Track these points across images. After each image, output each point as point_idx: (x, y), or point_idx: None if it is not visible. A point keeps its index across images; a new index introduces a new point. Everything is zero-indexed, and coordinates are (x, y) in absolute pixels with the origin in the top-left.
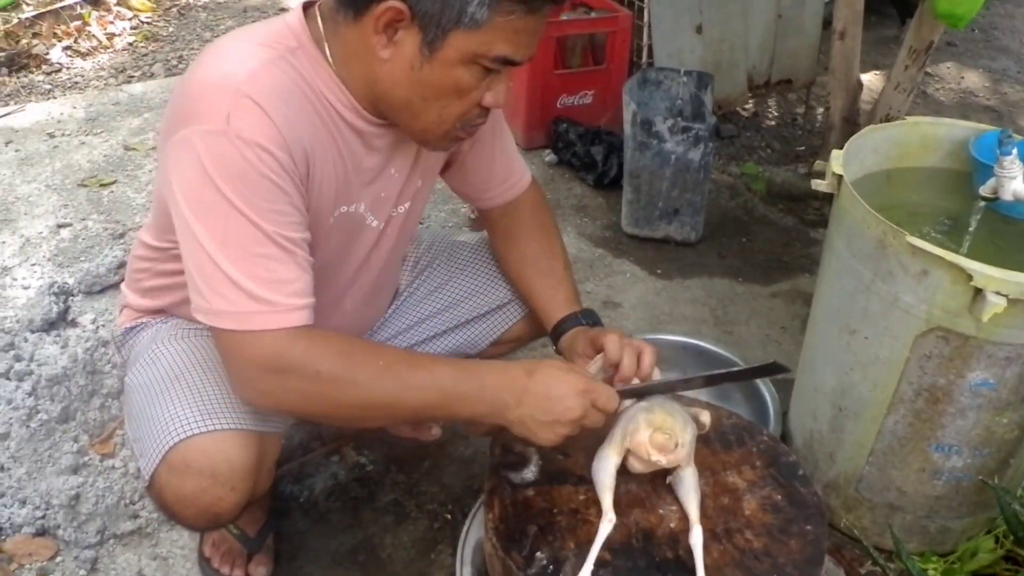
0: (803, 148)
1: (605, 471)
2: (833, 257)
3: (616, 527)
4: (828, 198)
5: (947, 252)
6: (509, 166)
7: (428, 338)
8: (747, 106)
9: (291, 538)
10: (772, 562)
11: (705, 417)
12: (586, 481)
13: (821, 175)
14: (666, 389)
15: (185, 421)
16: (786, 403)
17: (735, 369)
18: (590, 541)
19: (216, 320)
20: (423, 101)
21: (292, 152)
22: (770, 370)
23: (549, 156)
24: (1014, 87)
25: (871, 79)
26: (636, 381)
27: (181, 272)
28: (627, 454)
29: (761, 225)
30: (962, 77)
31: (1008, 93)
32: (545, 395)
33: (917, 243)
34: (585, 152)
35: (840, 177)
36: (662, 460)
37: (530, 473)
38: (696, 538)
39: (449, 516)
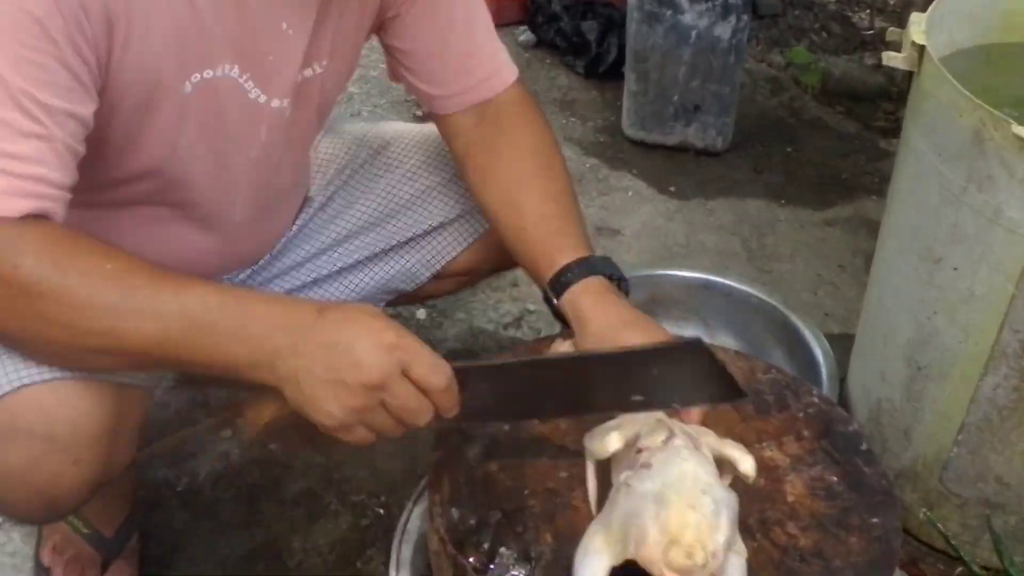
0: (871, 32)
1: (591, 572)
2: (911, 158)
3: None
4: (904, 99)
5: None
6: (476, 45)
7: (348, 266)
8: None
9: (164, 539)
10: (824, 566)
11: (747, 465)
12: (569, 453)
13: (896, 47)
14: (528, 368)
15: (12, 368)
16: (845, 364)
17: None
18: (574, 533)
19: None
20: None
21: None
22: (689, 349)
23: (525, 34)
24: None
25: None
26: None
27: None
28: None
29: (813, 131)
30: None
31: None
32: (333, 340)
33: None
34: (574, 29)
35: (922, 49)
36: None
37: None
38: None
39: (382, 511)
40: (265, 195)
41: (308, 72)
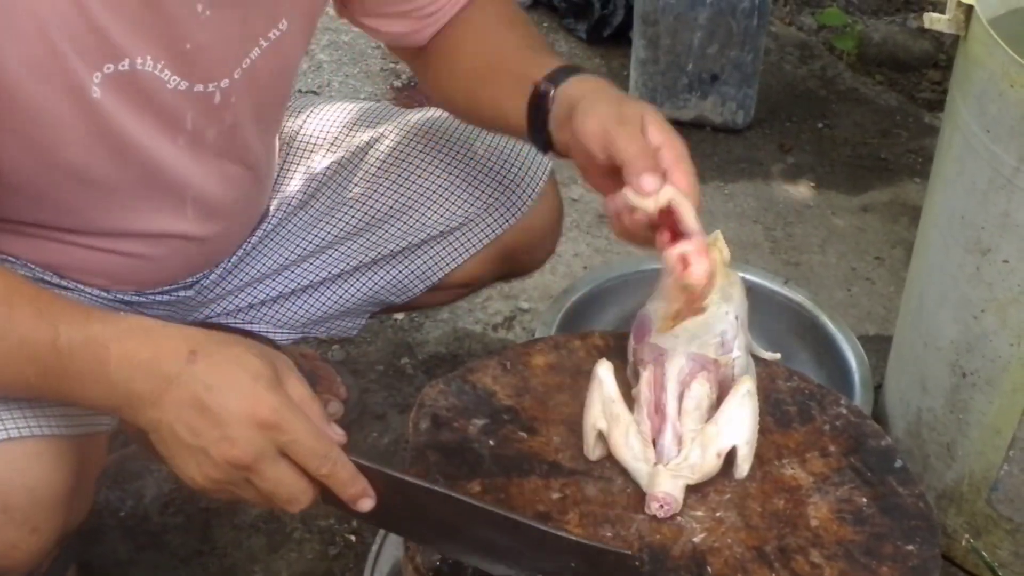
0: None
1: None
2: (957, 136)
3: (609, 541)
4: (952, 66)
5: None
6: None
7: (331, 276)
8: None
9: (105, 572)
10: None
11: None
12: (562, 471)
13: (941, 7)
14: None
15: None
16: (881, 371)
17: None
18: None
19: None
20: None
21: None
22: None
23: None
24: None
25: None
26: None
27: None
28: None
29: (848, 104)
30: None
31: None
32: (200, 402)
33: None
34: None
35: (970, 8)
36: None
37: None
38: None
39: (353, 537)
40: (212, 188)
41: (255, 52)
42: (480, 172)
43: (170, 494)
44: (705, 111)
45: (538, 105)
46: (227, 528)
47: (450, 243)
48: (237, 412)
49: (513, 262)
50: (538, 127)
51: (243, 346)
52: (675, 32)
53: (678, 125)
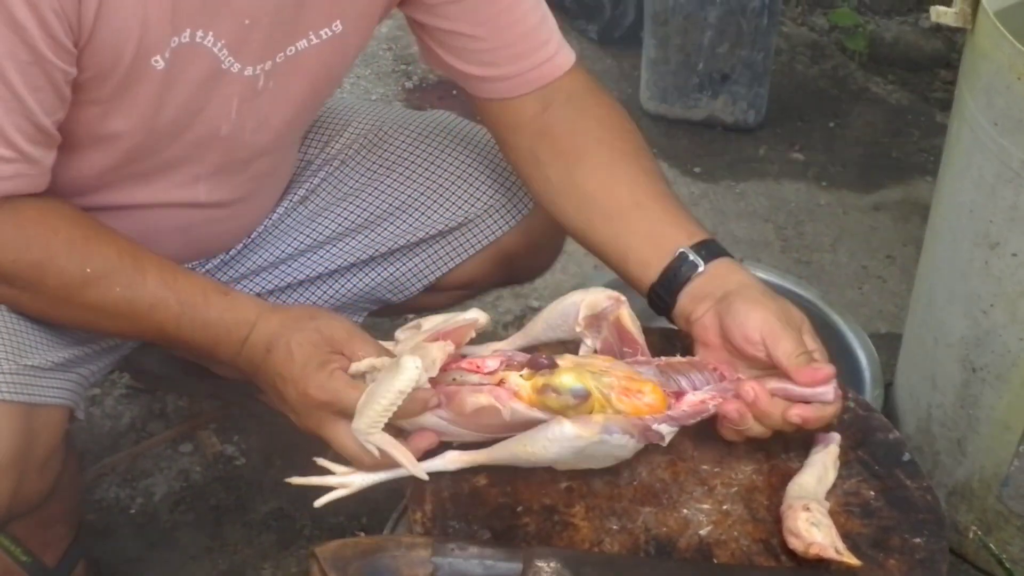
0: None
1: None
2: (965, 130)
3: (615, 534)
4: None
5: None
6: (532, 21)
7: (328, 272)
8: None
9: (115, 569)
10: None
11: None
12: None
13: (947, 1)
14: None
15: None
16: (893, 369)
17: None
18: (573, 553)
19: None
20: None
21: None
22: None
23: None
24: None
25: None
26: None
27: None
28: None
29: (860, 103)
30: None
31: None
32: (275, 387)
33: None
34: None
35: (976, 2)
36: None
37: None
38: None
39: (363, 534)
40: (236, 179)
41: (303, 43)
42: (483, 174)
43: (180, 492)
44: (716, 110)
45: (677, 270)
46: (237, 525)
47: (449, 243)
48: (294, 397)
49: (513, 267)
50: (665, 288)
51: (304, 332)
52: (685, 31)
53: (689, 125)
